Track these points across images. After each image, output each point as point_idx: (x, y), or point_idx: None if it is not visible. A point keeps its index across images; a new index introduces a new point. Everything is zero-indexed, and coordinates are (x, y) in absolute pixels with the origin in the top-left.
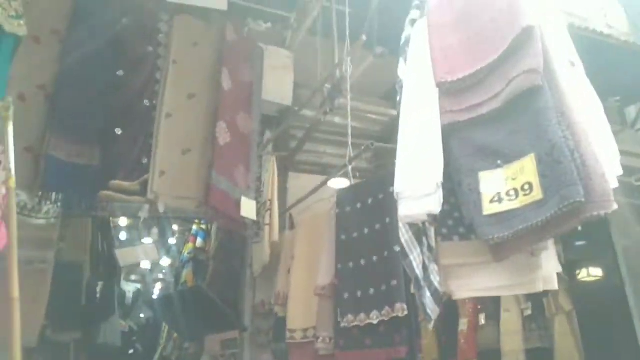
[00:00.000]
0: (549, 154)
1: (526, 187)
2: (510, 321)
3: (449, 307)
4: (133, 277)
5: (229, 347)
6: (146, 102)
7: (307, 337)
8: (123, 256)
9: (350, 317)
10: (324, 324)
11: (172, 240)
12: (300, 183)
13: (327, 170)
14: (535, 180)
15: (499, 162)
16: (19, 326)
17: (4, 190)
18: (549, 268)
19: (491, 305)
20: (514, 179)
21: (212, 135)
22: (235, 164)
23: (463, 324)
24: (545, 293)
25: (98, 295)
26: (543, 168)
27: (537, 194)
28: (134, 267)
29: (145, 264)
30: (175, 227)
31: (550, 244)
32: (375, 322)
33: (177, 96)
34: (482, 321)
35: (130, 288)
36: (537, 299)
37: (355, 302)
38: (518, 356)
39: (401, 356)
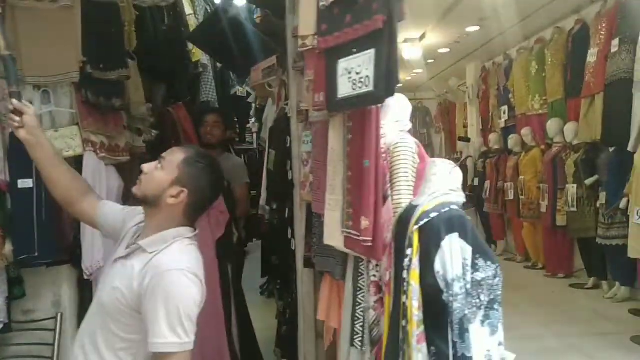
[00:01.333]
0: None
1: None
2: None
3: (580, 39)
4: None
5: (269, 75)
6: None
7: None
8: None
9: None
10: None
11: None
12: None
13: None
14: None
15: None
16: None
17: None
18: None
19: (628, 29)
20: None
21: None
22: None
23: (592, 55)
24: None
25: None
26: None
27: None
28: None
29: None
30: None
31: None
32: None
33: None
34: (615, 47)
35: None
36: None
37: None
38: None
39: (379, 26)
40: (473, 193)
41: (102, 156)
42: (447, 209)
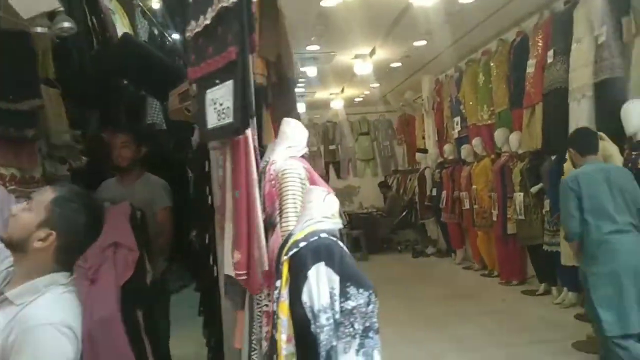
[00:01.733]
0: None
1: None
2: (581, 53)
3: (520, 50)
4: None
5: (185, 100)
6: None
7: None
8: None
9: (192, 23)
10: None
11: None
12: None
13: None
14: None
15: None
16: None
17: None
18: None
19: (561, 41)
20: None
21: None
22: None
23: (531, 66)
24: (627, 12)
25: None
26: None
27: None
28: None
29: None
30: None
31: None
32: (209, 20)
33: None
34: (550, 58)
35: None
36: (615, 19)
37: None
38: (585, 92)
39: (233, 58)
40: (432, 203)
41: (11, 189)
42: (316, 237)
